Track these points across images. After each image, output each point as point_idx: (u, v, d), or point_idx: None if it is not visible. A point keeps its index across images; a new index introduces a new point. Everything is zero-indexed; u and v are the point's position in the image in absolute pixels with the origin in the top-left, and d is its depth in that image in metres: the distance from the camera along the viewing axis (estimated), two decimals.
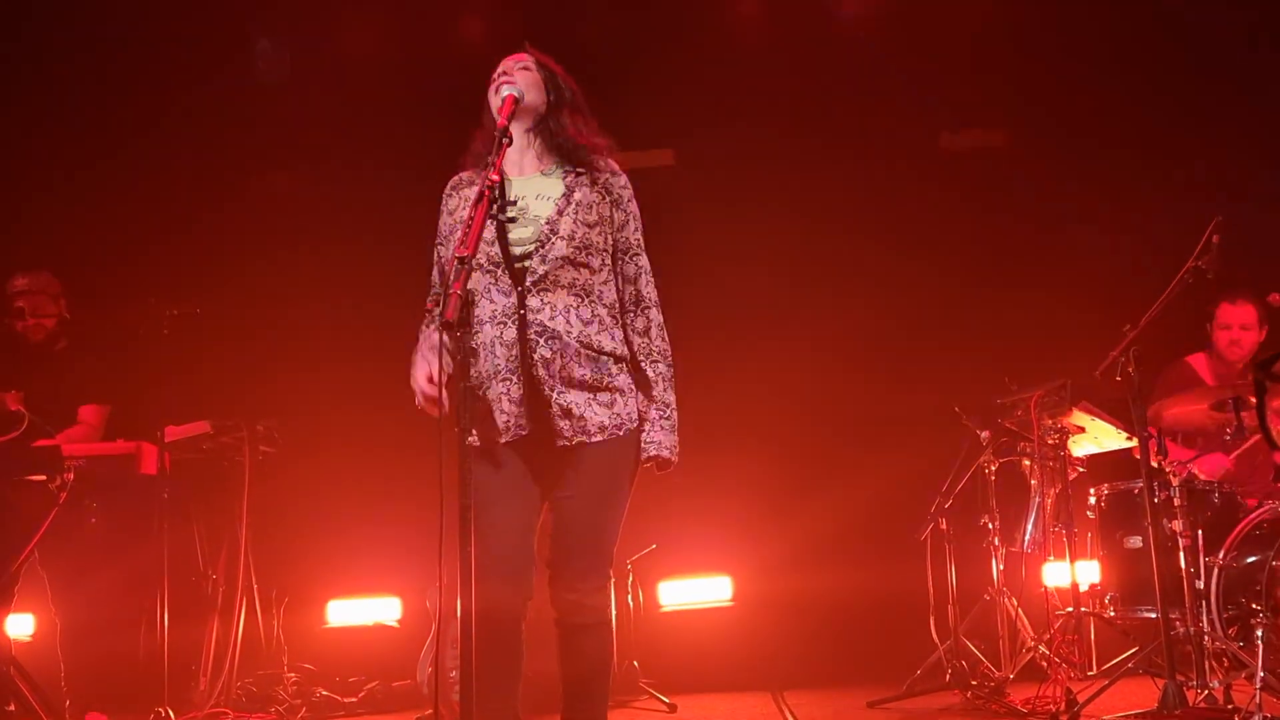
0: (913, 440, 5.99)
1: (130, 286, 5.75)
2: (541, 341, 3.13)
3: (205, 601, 5.64)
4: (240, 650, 5.50)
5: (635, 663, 5.62)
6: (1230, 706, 4.21)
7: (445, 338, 2.91)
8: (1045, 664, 4.95)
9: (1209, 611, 4.50)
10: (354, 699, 5.79)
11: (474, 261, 3.02)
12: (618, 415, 3.20)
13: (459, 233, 2.97)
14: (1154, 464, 4.53)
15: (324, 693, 5.76)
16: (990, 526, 5.36)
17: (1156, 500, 4.51)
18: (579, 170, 3.27)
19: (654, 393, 3.25)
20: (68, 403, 5.36)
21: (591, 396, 3.17)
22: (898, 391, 6.32)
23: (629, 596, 5.84)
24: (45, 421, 4.97)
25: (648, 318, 3.30)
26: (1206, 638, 4.39)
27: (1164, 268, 4.63)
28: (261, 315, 6.55)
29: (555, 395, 3.14)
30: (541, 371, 3.13)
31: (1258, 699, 3.78)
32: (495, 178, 2.93)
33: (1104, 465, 5.50)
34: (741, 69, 6.68)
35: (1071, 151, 6.66)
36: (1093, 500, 5.25)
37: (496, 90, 3.23)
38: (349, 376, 6.37)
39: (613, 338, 3.23)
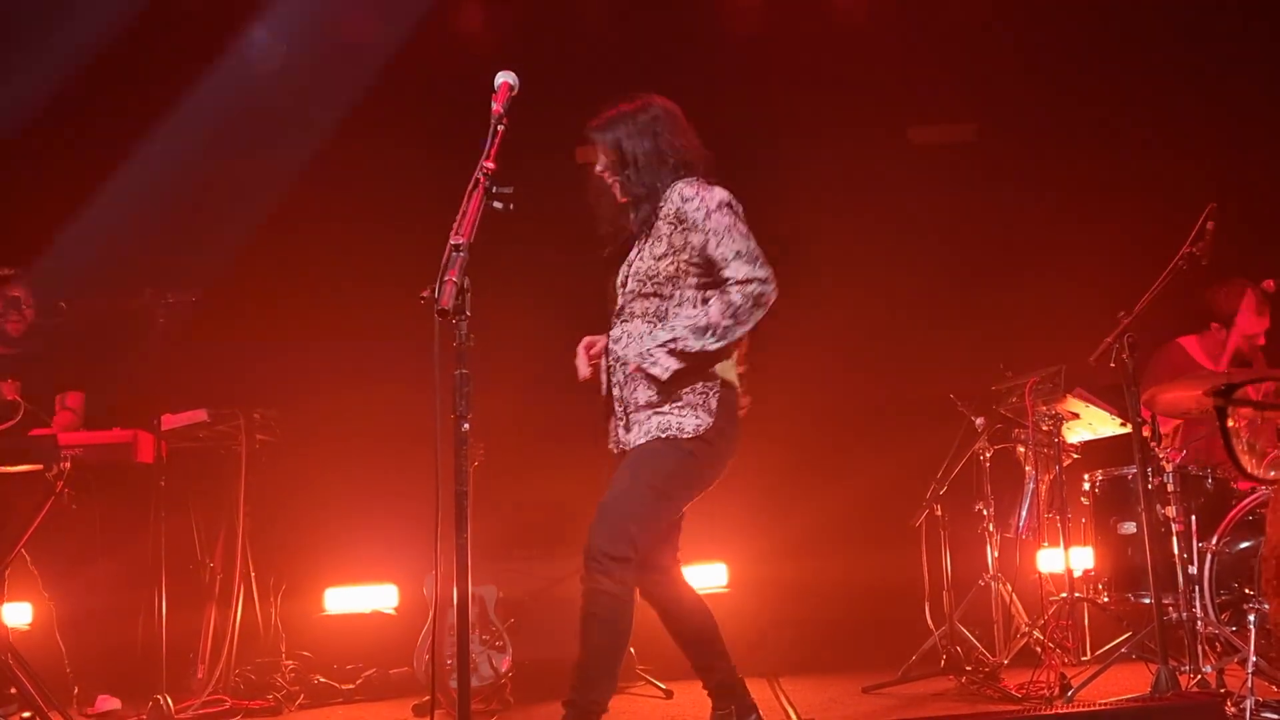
0: (908, 427, 6.01)
1: (127, 275, 5.74)
2: (617, 368, 3.51)
3: (203, 589, 5.66)
4: (238, 638, 5.51)
5: (631, 649, 5.63)
6: (1223, 691, 4.22)
7: None
8: (1039, 649, 4.97)
9: (1202, 597, 4.53)
10: (351, 686, 5.81)
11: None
12: (667, 423, 3.41)
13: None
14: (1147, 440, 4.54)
15: (321, 680, 5.78)
16: (985, 513, 5.38)
17: (1150, 486, 4.52)
18: (653, 211, 3.49)
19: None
20: (45, 392, 5.36)
21: (653, 411, 3.43)
22: (893, 378, 6.33)
23: None
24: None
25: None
26: (1199, 623, 4.41)
27: (1158, 254, 4.63)
28: (258, 303, 6.54)
29: (628, 413, 3.48)
30: (617, 393, 3.52)
31: (1250, 683, 3.79)
32: (490, 165, 3.02)
33: (1098, 451, 5.51)
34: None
35: (1065, 138, 6.66)
36: (1087, 486, 5.26)
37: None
38: (346, 364, 6.38)
39: None
